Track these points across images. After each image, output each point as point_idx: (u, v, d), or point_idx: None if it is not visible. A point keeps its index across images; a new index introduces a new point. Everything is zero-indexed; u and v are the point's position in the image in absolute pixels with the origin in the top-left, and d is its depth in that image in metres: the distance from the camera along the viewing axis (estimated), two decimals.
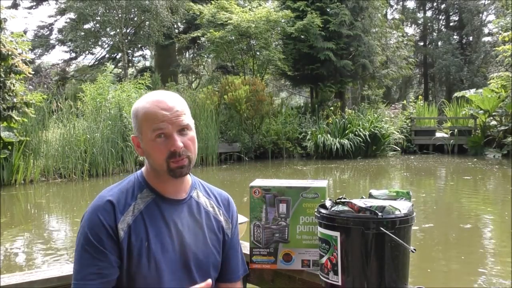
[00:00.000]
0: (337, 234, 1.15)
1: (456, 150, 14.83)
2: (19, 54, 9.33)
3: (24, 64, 9.35)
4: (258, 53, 16.09)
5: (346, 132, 13.57)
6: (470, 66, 24.98)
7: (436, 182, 9.99)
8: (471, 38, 26.79)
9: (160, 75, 16.82)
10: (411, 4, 32.91)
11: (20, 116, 9.16)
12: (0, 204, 7.12)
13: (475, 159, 12.93)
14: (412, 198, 1.28)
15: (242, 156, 13.28)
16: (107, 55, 21.81)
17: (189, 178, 1.33)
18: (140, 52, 23.57)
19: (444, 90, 28.23)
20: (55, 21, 21.59)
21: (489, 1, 25.59)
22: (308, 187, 1.35)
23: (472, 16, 25.23)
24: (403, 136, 15.21)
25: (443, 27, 28.87)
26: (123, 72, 18.79)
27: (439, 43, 27.65)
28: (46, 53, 21.52)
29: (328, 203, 1.24)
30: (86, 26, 18.86)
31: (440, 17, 29.28)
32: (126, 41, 17.47)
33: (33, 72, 10.78)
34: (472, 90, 15.28)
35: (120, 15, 16.83)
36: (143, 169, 1.31)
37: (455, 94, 16.01)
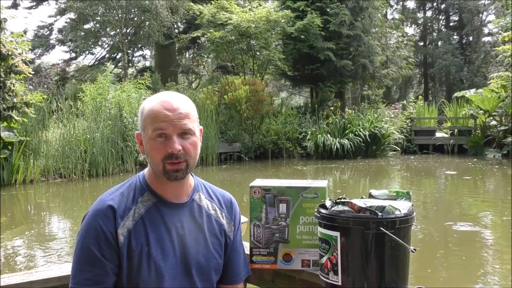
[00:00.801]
0: (337, 234, 1.15)
1: (456, 150, 14.82)
2: (19, 54, 9.33)
3: (24, 64, 9.35)
4: (258, 53, 16.10)
5: (346, 132, 13.57)
6: (470, 66, 24.98)
7: (436, 182, 9.99)
8: (471, 38, 26.80)
9: (160, 75, 16.82)
10: (411, 4, 32.91)
11: (20, 116, 9.16)
12: (0, 204, 7.12)
13: (475, 159, 12.93)
14: (412, 198, 1.28)
15: (242, 156, 13.28)
16: (107, 55, 21.82)
17: (192, 181, 1.32)
18: (140, 52, 23.62)
19: (444, 90, 28.23)
20: (55, 21, 21.61)
21: (489, 1, 25.59)
22: (308, 187, 1.35)
23: (472, 16, 25.23)
24: (403, 136, 15.21)
25: (443, 27, 28.87)
26: (123, 72, 18.78)
27: (439, 43, 27.65)
28: (46, 53, 21.54)
29: (328, 203, 1.24)
30: (86, 26, 18.86)
31: (440, 17, 29.28)
32: (126, 41, 17.47)
33: (33, 72, 10.78)
34: (472, 90, 15.27)
35: (120, 15, 16.83)
36: (145, 171, 1.29)
37: (455, 94, 16.01)
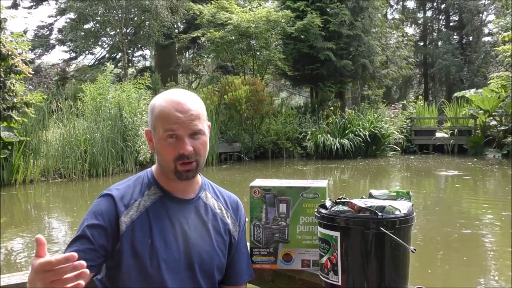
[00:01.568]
0: (337, 234, 1.15)
1: (456, 150, 14.82)
2: (19, 54, 9.33)
3: (24, 64, 9.35)
4: (258, 53, 16.10)
5: (346, 132, 13.57)
6: (470, 66, 24.98)
7: (436, 182, 9.99)
8: (471, 38, 26.79)
9: (160, 75, 16.83)
10: (411, 4, 32.91)
11: (20, 116, 9.16)
12: (0, 204, 7.12)
13: (475, 159, 12.93)
14: (412, 198, 1.28)
15: (242, 156, 13.28)
16: (107, 55, 21.82)
17: (199, 179, 1.33)
18: (140, 52, 23.62)
19: (444, 90, 28.23)
20: (55, 21, 21.61)
21: (489, 1, 25.59)
22: (308, 187, 1.35)
23: (472, 16, 25.23)
24: (403, 136, 15.21)
25: (443, 27, 28.87)
26: (123, 72, 18.79)
27: (439, 43, 27.65)
28: (46, 53, 21.56)
29: (328, 203, 1.24)
30: (86, 26, 18.86)
31: (440, 17, 29.28)
32: (126, 41, 17.47)
33: (33, 72, 10.78)
34: (472, 90, 15.27)
35: (120, 15, 16.83)
36: (153, 166, 1.31)
37: (455, 94, 16.00)
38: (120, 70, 20.82)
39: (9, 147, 8.91)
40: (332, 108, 15.46)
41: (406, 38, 20.68)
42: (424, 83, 29.64)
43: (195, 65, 24.56)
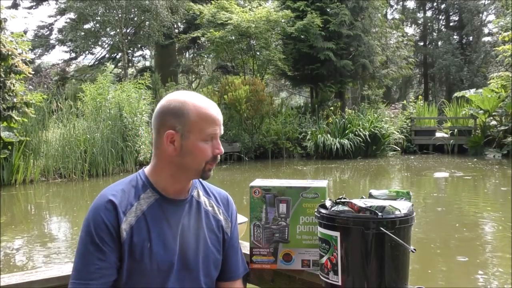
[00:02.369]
0: (337, 234, 1.15)
1: (456, 150, 14.82)
2: (19, 54, 9.33)
3: (24, 64, 9.35)
4: (258, 53, 16.10)
5: (346, 132, 13.56)
6: (470, 66, 24.98)
7: (436, 182, 9.98)
8: (471, 38, 26.79)
9: (160, 75, 16.82)
10: (411, 4, 32.93)
11: (20, 116, 9.16)
12: (0, 204, 7.12)
13: (475, 159, 12.93)
14: (412, 198, 1.27)
15: (242, 156, 13.28)
16: (107, 55, 21.81)
17: None
18: (140, 52, 23.61)
19: (444, 90, 28.23)
20: (55, 21, 21.60)
21: (489, 1, 25.59)
22: (308, 187, 1.35)
23: (472, 16, 25.23)
24: (403, 136, 15.21)
25: (443, 27, 28.87)
26: (123, 72, 18.79)
27: (439, 43, 27.65)
28: (46, 53, 21.53)
29: (328, 203, 1.24)
30: (86, 26, 18.86)
31: (440, 17, 29.28)
32: (126, 41, 17.47)
33: (33, 72, 10.78)
34: (472, 90, 15.27)
35: (120, 15, 16.83)
36: (145, 169, 1.30)
37: (455, 94, 16.01)
38: (120, 70, 20.82)
39: (9, 147, 8.91)
40: (332, 108, 15.46)
41: (406, 38, 20.69)
42: (424, 83, 29.64)
43: (195, 65, 24.56)
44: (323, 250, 1.20)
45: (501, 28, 15.54)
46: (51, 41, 21.16)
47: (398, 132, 15.10)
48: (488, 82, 15.98)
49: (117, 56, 21.39)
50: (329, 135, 13.51)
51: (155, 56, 22.02)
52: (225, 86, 13.53)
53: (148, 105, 11.66)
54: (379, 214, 1.12)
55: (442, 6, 28.18)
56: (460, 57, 24.76)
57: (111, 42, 19.75)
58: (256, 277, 1.49)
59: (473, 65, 25.00)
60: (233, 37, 15.21)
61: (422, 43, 28.59)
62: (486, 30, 26.78)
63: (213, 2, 15.73)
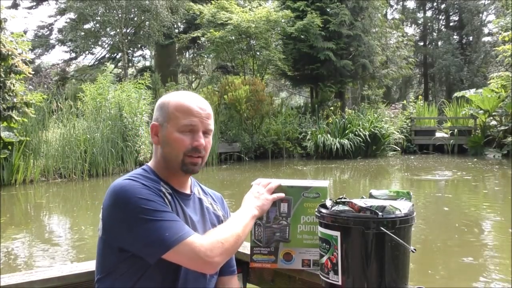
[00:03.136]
0: (337, 233, 1.15)
1: (456, 150, 14.82)
2: (19, 54, 9.33)
3: (24, 64, 9.35)
4: (258, 53, 16.10)
5: (346, 132, 13.57)
6: (470, 66, 24.99)
7: (436, 182, 9.98)
8: (471, 38, 26.81)
9: (160, 75, 16.82)
10: (411, 4, 32.94)
11: (20, 116, 9.16)
12: (0, 204, 7.12)
13: (475, 159, 12.93)
14: (412, 198, 1.27)
15: (242, 156, 13.28)
16: (107, 55, 21.81)
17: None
18: (140, 52, 23.59)
19: (444, 90, 28.24)
20: (55, 21, 21.59)
21: (489, 1, 25.60)
22: (309, 187, 1.35)
23: (472, 16, 25.24)
24: (403, 136, 15.22)
25: (443, 27, 28.88)
26: (123, 72, 18.79)
27: (439, 43, 27.67)
28: (46, 53, 21.52)
29: (328, 202, 1.24)
30: (86, 26, 18.85)
31: (440, 17, 29.30)
32: (126, 41, 17.47)
33: (33, 72, 10.78)
34: (472, 90, 15.27)
35: (120, 15, 16.82)
36: (150, 164, 1.31)
37: (455, 94, 16.01)
38: (120, 70, 20.81)
39: (9, 147, 8.91)
40: (332, 108, 15.46)
41: (406, 38, 20.69)
42: (424, 83, 29.65)
43: (195, 65, 24.57)
44: (323, 249, 1.20)
45: (501, 28, 15.54)
46: (51, 41, 21.15)
47: (398, 132, 15.10)
48: (488, 82, 15.99)
49: (117, 56, 21.38)
50: (329, 135, 13.51)
51: (155, 56, 22.01)
52: (225, 86, 13.53)
53: (148, 105, 11.66)
54: (380, 214, 1.11)
55: (442, 6, 28.20)
56: (460, 57, 24.77)
57: (111, 42, 19.75)
58: (256, 277, 1.49)
59: (473, 65, 25.01)
60: (233, 37, 15.21)
61: (422, 43, 28.60)
62: (486, 30, 26.82)
63: (213, 2, 15.73)
